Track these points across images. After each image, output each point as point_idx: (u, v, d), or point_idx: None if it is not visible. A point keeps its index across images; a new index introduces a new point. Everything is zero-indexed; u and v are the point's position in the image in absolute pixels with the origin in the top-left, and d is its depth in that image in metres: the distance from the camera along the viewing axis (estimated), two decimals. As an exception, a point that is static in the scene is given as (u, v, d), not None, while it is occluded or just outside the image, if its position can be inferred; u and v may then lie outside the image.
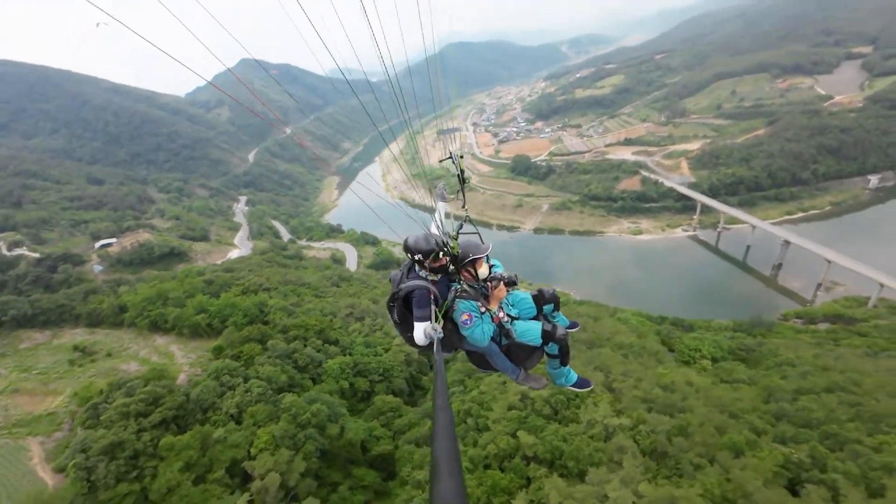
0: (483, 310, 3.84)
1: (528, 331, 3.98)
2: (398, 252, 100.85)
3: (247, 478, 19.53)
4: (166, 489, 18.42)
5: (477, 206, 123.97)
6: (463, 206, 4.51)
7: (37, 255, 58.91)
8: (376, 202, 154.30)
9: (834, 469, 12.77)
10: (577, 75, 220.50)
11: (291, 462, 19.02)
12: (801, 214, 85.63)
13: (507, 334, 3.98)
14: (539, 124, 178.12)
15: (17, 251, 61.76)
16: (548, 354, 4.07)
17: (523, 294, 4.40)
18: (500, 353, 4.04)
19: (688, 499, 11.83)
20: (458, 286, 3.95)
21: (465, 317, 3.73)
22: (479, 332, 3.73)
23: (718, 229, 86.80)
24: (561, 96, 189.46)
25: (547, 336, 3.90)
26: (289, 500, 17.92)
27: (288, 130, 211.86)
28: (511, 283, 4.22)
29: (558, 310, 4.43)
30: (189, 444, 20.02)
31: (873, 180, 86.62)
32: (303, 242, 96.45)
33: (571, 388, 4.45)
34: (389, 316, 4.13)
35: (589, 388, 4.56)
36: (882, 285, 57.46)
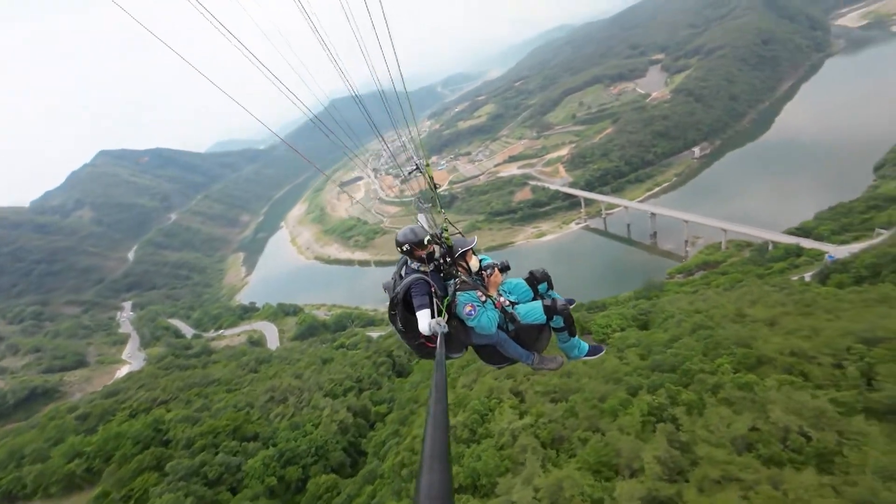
0: (484, 298, 3.90)
1: (531, 310, 4.05)
2: (322, 314, 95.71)
3: None
4: None
5: (394, 248, 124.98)
6: (440, 210, 4.66)
7: None
8: (291, 267, 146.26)
9: (681, 402, 15.36)
10: (456, 110, 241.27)
11: None
12: (657, 189, 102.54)
13: (513, 318, 4.02)
14: (434, 158, 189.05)
15: None
16: (555, 330, 4.15)
17: (517, 280, 4.51)
18: (509, 339, 4.07)
19: (570, 476, 12.99)
20: (456, 281, 4.02)
21: (468, 308, 3.78)
22: (486, 319, 3.77)
23: (603, 216, 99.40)
24: (446, 130, 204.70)
25: (549, 311, 3.97)
26: None
27: (173, 216, 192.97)
28: (505, 269, 4.35)
29: (552, 287, 4.51)
30: None
31: (696, 151, 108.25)
32: (211, 334, 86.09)
33: (587, 358, 4.51)
34: (393, 326, 4.11)
35: (603, 352, 4.65)
36: (725, 230, 70.73)
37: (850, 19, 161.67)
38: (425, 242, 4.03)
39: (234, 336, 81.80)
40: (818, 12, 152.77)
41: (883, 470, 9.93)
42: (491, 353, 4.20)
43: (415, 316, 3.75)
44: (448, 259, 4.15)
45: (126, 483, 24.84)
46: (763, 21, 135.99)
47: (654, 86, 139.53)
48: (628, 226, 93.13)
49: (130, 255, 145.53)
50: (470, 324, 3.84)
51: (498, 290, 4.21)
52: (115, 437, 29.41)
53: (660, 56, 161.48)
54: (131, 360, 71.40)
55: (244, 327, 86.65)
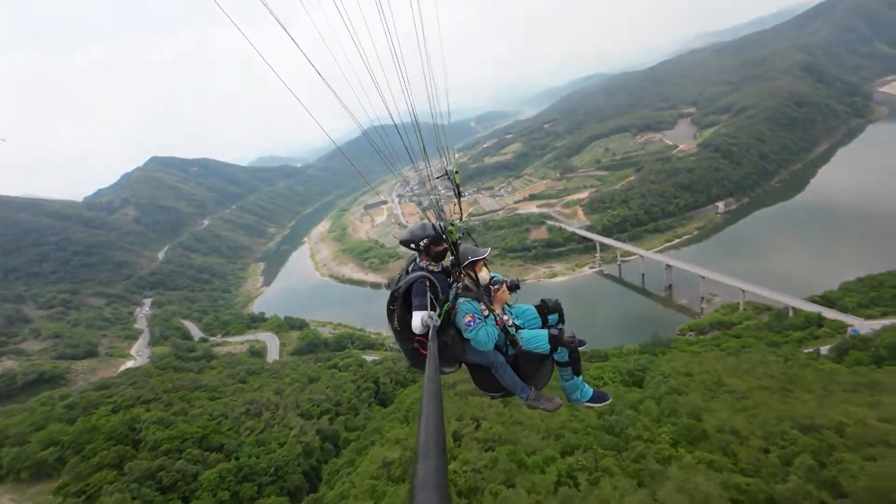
0: (486, 312, 3.69)
1: (535, 337, 3.81)
2: (327, 332, 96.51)
3: None
4: None
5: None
6: (460, 219, 4.41)
7: None
8: (307, 282, 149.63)
9: (599, 468, 14.52)
10: (484, 145, 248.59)
11: None
12: (677, 241, 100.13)
13: (514, 341, 3.79)
14: (462, 188, 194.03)
15: None
16: (558, 363, 3.91)
17: (527, 306, 4.30)
18: (506, 365, 3.80)
19: None
20: (458, 285, 3.87)
21: (467, 318, 3.59)
22: (484, 333, 3.55)
23: (618, 262, 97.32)
24: (473, 164, 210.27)
25: (555, 340, 3.73)
26: None
27: (206, 222, 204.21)
28: (514, 287, 4.19)
29: (563, 321, 4.29)
30: None
31: (721, 206, 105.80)
32: (217, 339, 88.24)
33: (589, 405, 4.18)
34: (389, 324, 3.92)
35: (608, 403, 4.27)
36: (744, 291, 67.62)
37: (895, 87, 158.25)
38: (439, 238, 3.90)
39: (237, 344, 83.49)
40: (857, 79, 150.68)
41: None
42: (485, 378, 3.94)
43: (412, 315, 3.62)
44: (455, 260, 3.99)
45: (84, 478, 25.40)
46: (797, 84, 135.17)
47: (682, 139, 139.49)
48: (643, 275, 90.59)
49: (161, 255, 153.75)
50: (467, 335, 3.63)
51: (503, 309, 3.96)
52: (90, 431, 30.29)
53: (690, 110, 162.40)
54: (138, 355, 74.00)
55: (249, 336, 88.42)
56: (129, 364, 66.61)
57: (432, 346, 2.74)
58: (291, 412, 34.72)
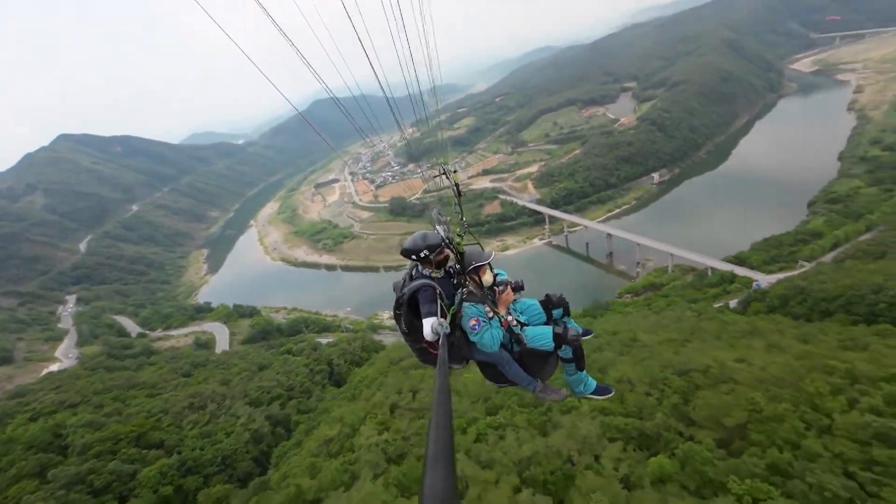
0: (491, 315, 3.74)
1: (540, 335, 3.85)
2: (280, 318, 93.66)
3: None
4: None
5: (362, 253, 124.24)
6: (461, 218, 4.45)
7: None
8: (257, 268, 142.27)
9: (512, 423, 16.56)
10: (438, 120, 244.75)
11: None
12: (617, 210, 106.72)
13: (519, 340, 3.83)
14: (411, 166, 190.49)
15: None
16: (562, 359, 3.96)
17: (531, 301, 4.31)
18: (512, 361, 3.87)
19: (373, 493, 13.66)
20: (463, 290, 3.87)
21: (472, 322, 3.63)
22: (489, 337, 3.62)
23: (565, 234, 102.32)
24: (426, 139, 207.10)
25: (559, 339, 3.77)
26: None
27: (135, 208, 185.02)
28: (518, 288, 4.17)
29: (568, 315, 4.31)
30: None
31: (655, 177, 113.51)
32: (157, 333, 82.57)
33: (592, 397, 4.27)
34: (398, 326, 3.98)
35: (610, 395, 4.37)
36: (672, 255, 74.22)
37: (803, 65, 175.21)
38: (439, 249, 3.84)
39: (181, 337, 78.64)
40: (773, 56, 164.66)
41: (590, 489, 11.10)
42: (493, 372, 4.03)
43: (419, 320, 3.66)
44: (459, 267, 3.99)
45: (2, 491, 23.57)
46: (724, 60, 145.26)
47: (624, 112, 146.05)
48: (587, 244, 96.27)
49: (83, 247, 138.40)
50: (472, 339, 3.71)
51: (507, 309, 4.02)
52: (6, 443, 27.75)
53: (631, 84, 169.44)
54: (65, 357, 67.55)
55: (194, 328, 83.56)
56: (54, 367, 60.76)
57: (442, 354, 2.76)
58: (239, 402, 34.02)
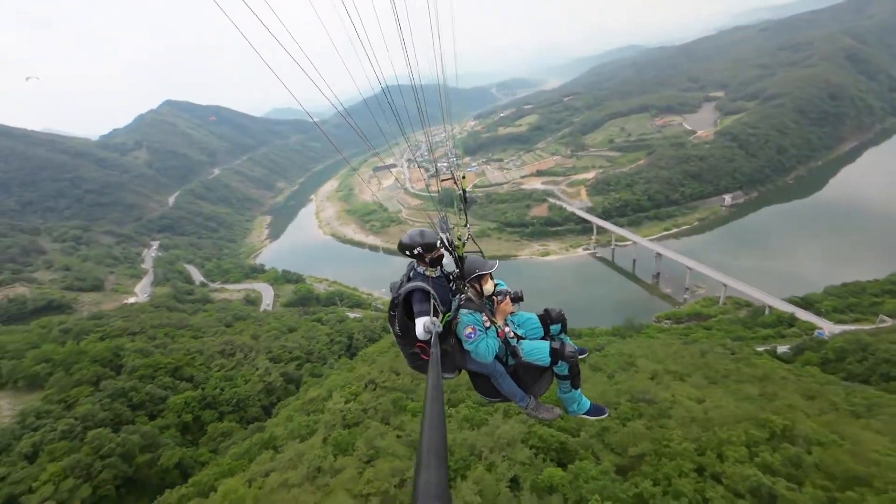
0: (488, 324, 3.67)
1: (536, 349, 3.77)
2: (321, 288, 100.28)
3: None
4: None
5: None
6: (465, 225, 4.30)
7: None
8: (309, 239, 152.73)
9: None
10: (501, 115, 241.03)
11: (76, 490, 19.10)
12: (675, 230, 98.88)
13: (514, 352, 3.78)
14: (467, 159, 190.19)
15: None
16: (557, 376, 3.88)
17: (529, 314, 4.23)
18: (506, 374, 3.80)
19: (313, 447, 14.54)
20: (461, 297, 3.82)
21: (468, 330, 3.56)
22: (484, 346, 3.54)
23: (612, 246, 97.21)
24: (486, 134, 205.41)
25: (555, 354, 3.70)
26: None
27: (216, 171, 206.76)
28: (518, 299, 4.07)
29: (565, 331, 4.21)
30: None
31: (727, 199, 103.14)
32: (216, 285, 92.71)
33: (585, 417, 4.17)
34: (391, 329, 3.91)
35: (604, 416, 4.29)
36: (725, 285, 67.77)
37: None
38: (436, 246, 3.82)
39: (234, 291, 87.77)
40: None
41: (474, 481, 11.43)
42: (485, 384, 3.94)
43: (411, 321, 3.63)
44: (460, 272, 3.92)
45: (66, 390, 29.05)
46: (836, 74, 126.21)
47: (702, 124, 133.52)
48: (634, 261, 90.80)
49: (171, 200, 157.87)
50: (467, 347, 3.61)
51: (505, 320, 3.93)
52: (78, 353, 33.97)
53: (718, 94, 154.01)
54: (141, 293, 78.78)
55: (246, 285, 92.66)
56: (132, 300, 71.29)
57: (435, 352, 2.77)
58: (262, 356, 37.91)
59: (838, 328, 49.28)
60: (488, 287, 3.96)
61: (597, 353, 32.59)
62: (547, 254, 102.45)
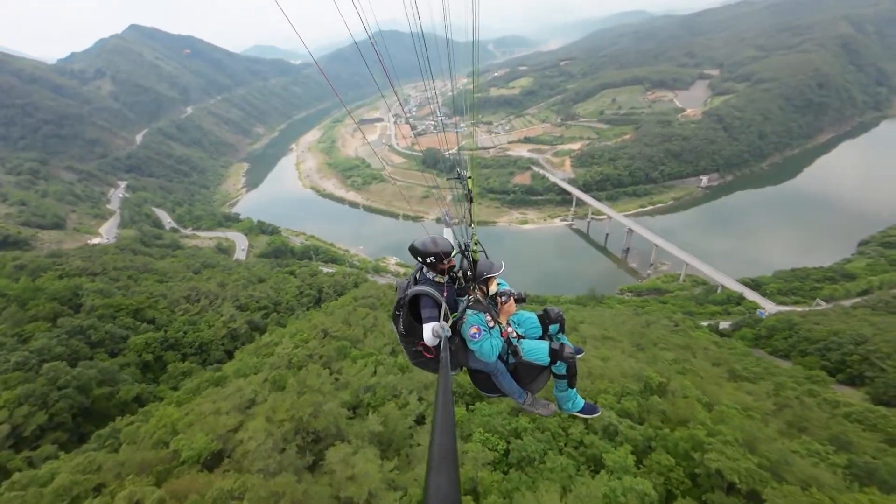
0: (492, 324, 3.76)
1: (535, 349, 3.88)
2: (298, 242, 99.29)
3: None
4: None
5: (386, 197, 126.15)
6: (471, 224, 4.21)
7: None
8: (288, 191, 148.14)
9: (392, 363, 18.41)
10: (495, 74, 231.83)
11: (32, 416, 20.08)
12: (650, 207, 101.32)
13: (515, 352, 3.85)
14: (455, 119, 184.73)
15: None
16: (555, 375, 3.97)
17: (529, 313, 4.31)
18: (506, 372, 3.91)
19: (251, 384, 15.98)
20: (469, 298, 3.89)
21: (473, 330, 3.63)
22: (488, 346, 3.62)
23: (588, 219, 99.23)
24: (477, 94, 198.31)
25: (554, 354, 3.80)
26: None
27: (189, 110, 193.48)
28: (520, 300, 4.12)
29: (563, 331, 4.31)
30: None
31: (704, 180, 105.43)
32: (187, 232, 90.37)
33: (578, 415, 4.27)
34: (395, 328, 3.95)
35: (597, 415, 4.39)
36: (686, 264, 71.20)
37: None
38: (450, 255, 3.81)
39: (206, 239, 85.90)
40: (895, 68, 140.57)
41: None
42: (485, 381, 4.05)
43: (417, 321, 3.70)
44: (469, 275, 3.94)
45: (21, 325, 29.04)
46: (827, 62, 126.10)
47: (692, 102, 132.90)
48: (606, 235, 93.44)
49: (138, 139, 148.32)
50: (471, 346, 3.70)
51: (507, 321, 4.02)
52: (34, 290, 33.49)
53: (713, 72, 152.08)
54: (107, 235, 76.13)
55: (219, 233, 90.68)
56: (95, 241, 69.02)
57: (445, 357, 2.81)
58: (228, 303, 38.36)
59: (777, 309, 53.45)
60: (493, 288, 4.04)
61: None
62: (525, 222, 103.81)
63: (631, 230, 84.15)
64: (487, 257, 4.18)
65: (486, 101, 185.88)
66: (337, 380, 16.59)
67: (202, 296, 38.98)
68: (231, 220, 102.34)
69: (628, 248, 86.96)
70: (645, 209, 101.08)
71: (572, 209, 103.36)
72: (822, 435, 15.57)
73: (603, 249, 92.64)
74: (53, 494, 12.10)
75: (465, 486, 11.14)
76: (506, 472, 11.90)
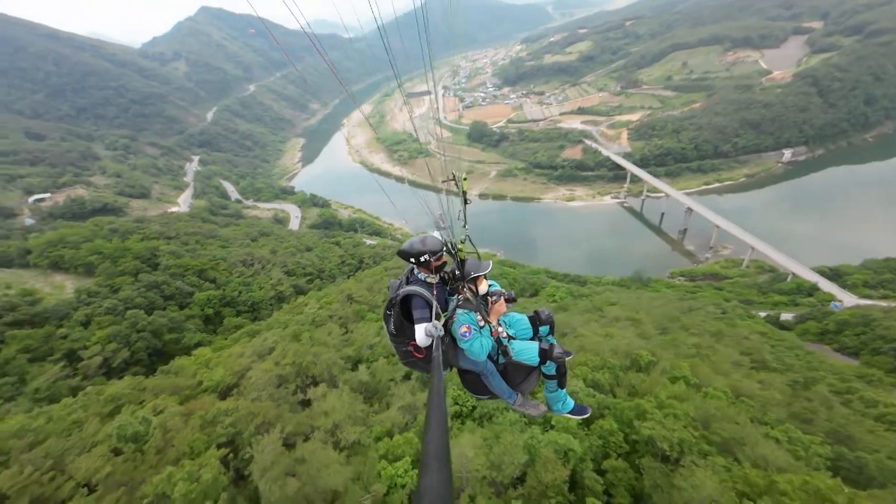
0: (482, 324, 3.77)
1: (525, 349, 3.90)
2: (346, 214, 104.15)
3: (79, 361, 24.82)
4: (3, 361, 23.62)
5: (423, 171, 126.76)
6: (464, 225, 4.19)
7: (-36, 206, 60.61)
8: (339, 166, 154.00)
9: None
10: (551, 39, 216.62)
11: (118, 352, 24.48)
12: (717, 184, 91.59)
13: (505, 352, 3.89)
14: (505, 90, 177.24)
15: (-54, 203, 63.11)
16: (545, 375, 3.99)
17: (520, 315, 4.33)
18: (496, 372, 3.93)
19: (281, 340, 17.61)
20: (459, 297, 3.93)
21: (463, 329, 3.64)
22: (478, 345, 3.63)
23: (643, 197, 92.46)
24: (530, 62, 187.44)
25: (544, 354, 3.83)
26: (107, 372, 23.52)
27: (252, 88, 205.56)
28: (511, 300, 4.15)
29: (553, 334, 4.33)
30: (30, 336, 25.09)
31: (787, 154, 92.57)
32: (249, 203, 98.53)
33: (568, 416, 4.31)
34: (385, 327, 3.96)
35: (586, 415, 4.42)
36: (752, 248, 64.45)
37: None
38: (438, 254, 3.83)
39: (265, 210, 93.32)
40: None
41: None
42: (474, 382, 4.06)
43: (408, 321, 3.70)
44: (458, 274, 3.97)
45: (112, 278, 34.61)
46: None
47: (782, 63, 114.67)
48: (662, 214, 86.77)
49: (209, 116, 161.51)
50: (462, 345, 3.69)
51: (498, 320, 4.04)
52: (123, 249, 39.39)
53: (814, 24, 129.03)
54: (183, 204, 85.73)
55: (276, 205, 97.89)
56: (174, 209, 78.13)
57: (437, 356, 2.84)
58: (278, 268, 42.13)
59: (856, 302, 47.03)
60: (482, 287, 4.08)
61: (581, 298, 33.70)
62: (572, 199, 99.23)
63: (690, 209, 77.26)
64: (480, 259, 4.18)
65: (539, 70, 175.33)
66: (345, 335, 18.21)
67: (256, 261, 43.20)
68: (287, 193, 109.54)
69: (686, 229, 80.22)
70: (710, 186, 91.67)
71: (626, 185, 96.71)
72: (824, 427, 15.31)
73: (657, 230, 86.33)
74: (106, 400, 15.51)
75: (404, 421, 12.49)
76: (463, 423, 12.68)
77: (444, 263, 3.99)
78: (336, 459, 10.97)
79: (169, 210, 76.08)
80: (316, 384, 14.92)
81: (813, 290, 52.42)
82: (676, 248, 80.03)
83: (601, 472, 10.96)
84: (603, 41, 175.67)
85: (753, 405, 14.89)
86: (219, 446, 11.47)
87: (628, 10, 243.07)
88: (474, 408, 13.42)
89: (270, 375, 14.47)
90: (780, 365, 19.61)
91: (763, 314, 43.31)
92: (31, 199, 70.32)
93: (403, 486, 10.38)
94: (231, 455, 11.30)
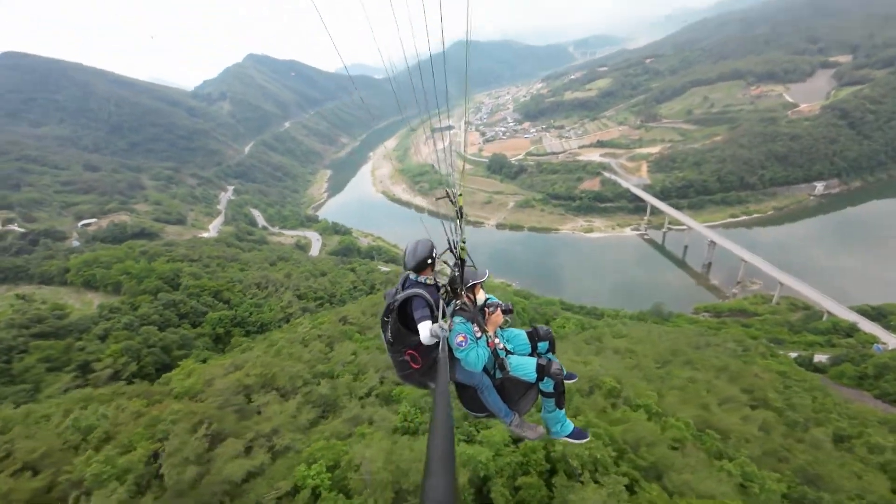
0: (479, 334, 3.69)
1: (523, 364, 3.83)
2: (365, 242, 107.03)
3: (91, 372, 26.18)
4: (23, 369, 25.40)
5: (443, 202, 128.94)
6: (461, 240, 4.10)
7: (22, 230, 66.99)
8: (363, 196, 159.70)
9: None
10: (571, 77, 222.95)
11: (127, 365, 25.69)
12: (744, 217, 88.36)
13: (502, 365, 3.81)
14: (526, 125, 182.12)
15: (9, 227, 70.12)
16: (542, 393, 3.92)
17: (518, 331, 4.28)
18: (492, 388, 3.85)
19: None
20: (456, 303, 3.86)
21: (459, 338, 3.54)
22: (474, 355, 3.53)
23: (664, 229, 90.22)
24: (550, 98, 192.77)
25: (542, 370, 3.73)
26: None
27: (287, 125, 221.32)
28: (508, 311, 4.10)
29: (553, 351, 4.25)
30: (52, 346, 26.88)
31: (819, 187, 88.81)
32: (274, 230, 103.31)
33: (567, 440, 4.16)
34: (382, 336, 3.84)
35: (586, 440, 4.31)
36: (781, 284, 60.85)
37: None
38: (434, 258, 3.83)
39: (288, 236, 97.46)
40: None
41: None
42: (471, 397, 3.96)
43: (406, 328, 3.62)
44: (456, 275, 3.91)
45: (134, 296, 36.86)
46: None
47: (809, 96, 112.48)
48: (685, 248, 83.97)
49: (246, 149, 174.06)
50: (457, 355, 3.60)
51: (495, 332, 3.97)
52: (149, 270, 42.15)
53: (842, 58, 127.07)
54: (213, 230, 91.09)
55: (300, 232, 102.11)
56: (204, 234, 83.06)
57: (443, 357, 2.78)
58: (290, 292, 43.53)
59: (905, 346, 42.93)
60: (480, 297, 4.05)
61: (588, 329, 32.59)
62: (590, 230, 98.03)
63: (713, 242, 74.43)
64: (475, 266, 4.18)
65: (559, 105, 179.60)
66: (325, 354, 18.63)
67: (270, 283, 44.90)
68: (311, 221, 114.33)
69: (710, 263, 76.98)
70: (737, 219, 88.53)
71: (646, 217, 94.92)
72: (794, 464, 14.87)
73: (681, 263, 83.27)
74: (78, 399, 17.08)
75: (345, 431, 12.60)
76: (400, 436, 12.67)
77: (435, 261, 3.95)
78: (240, 453, 11.94)
79: (200, 235, 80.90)
80: (284, 395, 15.44)
81: (852, 330, 48.43)
82: (701, 282, 76.58)
83: (517, 489, 11.14)
84: (623, 77, 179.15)
85: (717, 437, 14.16)
86: (159, 440, 12.54)
87: (649, 49, 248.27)
88: (422, 423, 13.52)
89: (231, 382, 15.25)
90: (785, 405, 18.04)
91: (794, 354, 40.19)
92: (80, 223, 76.92)
93: (315, 488, 10.84)
94: (162, 448, 12.36)
